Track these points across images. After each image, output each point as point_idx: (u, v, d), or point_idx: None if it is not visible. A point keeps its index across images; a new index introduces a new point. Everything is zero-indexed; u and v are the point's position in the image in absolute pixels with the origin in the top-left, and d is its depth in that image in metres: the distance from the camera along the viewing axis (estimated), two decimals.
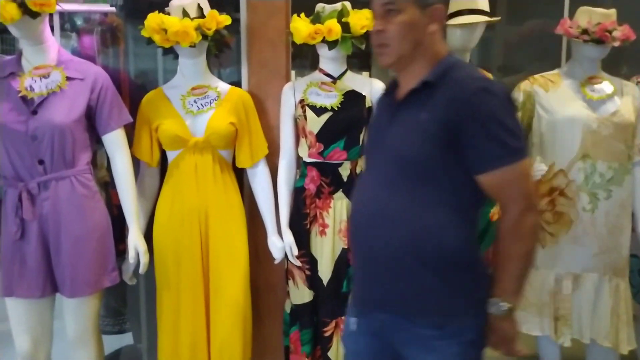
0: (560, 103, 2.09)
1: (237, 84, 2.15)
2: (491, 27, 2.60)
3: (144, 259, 1.88)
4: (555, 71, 2.19)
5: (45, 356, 1.86)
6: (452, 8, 1.97)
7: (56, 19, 2.00)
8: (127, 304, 2.55)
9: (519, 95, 2.17)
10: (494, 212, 2.06)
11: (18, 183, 1.72)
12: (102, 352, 1.99)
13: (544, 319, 2.14)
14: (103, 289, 1.87)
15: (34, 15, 1.61)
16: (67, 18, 2.16)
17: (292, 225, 2.01)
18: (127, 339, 2.73)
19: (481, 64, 2.17)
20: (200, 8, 1.86)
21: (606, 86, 2.10)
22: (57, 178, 1.74)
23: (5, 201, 1.75)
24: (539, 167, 2.13)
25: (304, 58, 2.06)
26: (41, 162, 1.72)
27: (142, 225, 1.97)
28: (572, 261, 2.10)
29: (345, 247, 1.97)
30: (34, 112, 1.70)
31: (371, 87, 1.99)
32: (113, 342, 2.75)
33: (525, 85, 2.18)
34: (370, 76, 4.20)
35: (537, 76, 2.18)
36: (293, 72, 2.33)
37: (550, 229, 2.12)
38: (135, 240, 1.87)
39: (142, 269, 1.89)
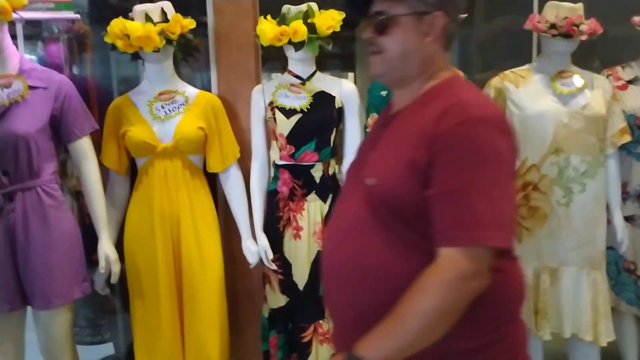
0: (531, 98, 2.09)
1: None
2: (468, 25, 2.61)
3: (115, 269, 1.85)
4: (526, 66, 2.19)
5: None
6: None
7: (19, 27, 1.97)
8: (105, 314, 2.52)
9: (489, 91, 2.17)
10: None
11: None
12: None
13: (523, 313, 2.13)
14: (75, 300, 1.84)
15: None
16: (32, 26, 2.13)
17: (266, 229, 1.99)
18: (108, 349, 2.70)
19: (459, 64, 2.16)
20: (164, 12, 1.84)
21: (576, 80, 2.10)
22: (22, 189, 1.71)
23: None
24: None
25: (275, 60, 2.04)
26: (5, 173, 1.69)
27: (113, 234, 1.95)
28: (550, 255, 2.10)
29: (321, 249, 1.96)
30: None
31: (341, 88, 1.98)
32: (94, 353, 2.72)
33: (495, 81, 2.17)
34: (355, 77, 4.24)
35: (507, 72, 2.18)
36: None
37: (525, 224, 2.12)
38: (105, 249, 1.84)
39: (113, 279, 1.87)
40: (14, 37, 1.90)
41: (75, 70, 2.26)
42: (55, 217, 1.76)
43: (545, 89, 2.09)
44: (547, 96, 2.08)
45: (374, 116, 2.03)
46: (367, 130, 2.05)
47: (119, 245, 1.94)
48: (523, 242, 2.13)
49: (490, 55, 2.89)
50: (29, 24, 2.06)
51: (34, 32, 2.15)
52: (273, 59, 2.11)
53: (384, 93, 2.00)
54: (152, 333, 1.90)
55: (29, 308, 1.80)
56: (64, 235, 1.78)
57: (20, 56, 1.78)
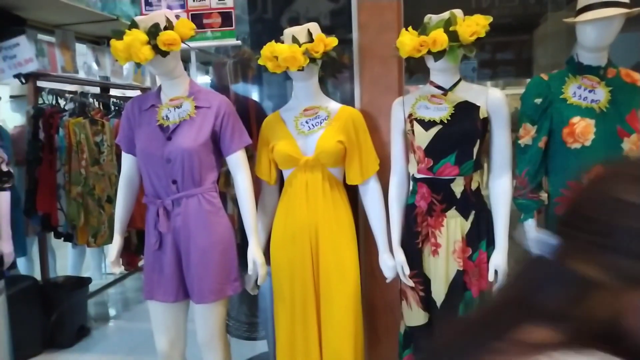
0: None
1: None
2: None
3: (262, 272, 1.99)
4: None
5: (180, 355, 2.08)
6: (582, 2, 1.75)
7: (192, 55, 2.26)
8: (260, 312, 2.72)
9: None
10: None
11: (157, 200, 1.97)
12: (229, 355, 2.15)
13: None
14: (227, 296, 2.03)
15: (164, 54, 1.85)
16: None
17: (404, 244, 1.96)
18: (263, 345, 2.92)
19: (626, 64, 1.86)
20: (309, 33, 1.94)
21: None
22: (187, 196, 1.95)
23: (147, 217, 2.02)
24: None
25: (425, 73, 2.00)
26: (174, 181, 1.95)
27: (263, 239, 2.11)
28: None
29: (461, 269, 1.85)
30: (169, 138, 1.94)
31: (487, 97, 1.85)
32: (251, 348, 2.96)
33: None
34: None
35: None
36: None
37: None
38: (253, 253, 1.99)
39: (260, 281, 2.01)
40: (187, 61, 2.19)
41: (240, 91, 2.52)
42: (213, 222, 1.97)
43: None
44: None
45: (527, 126, 1.86)
46: (520, 142, 1.88)
47: (269, 249, 2.09)
48: None
49: None
50: (202, 50, 2.36)
51: (206, 57, 2.45)
52: (422, 71, 2.07)
53: (538, 101, 1.83)
54: (292, 336, 2.00)
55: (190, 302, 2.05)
56: (220, 238, 1.98)
57: (190, 80, 2.05)
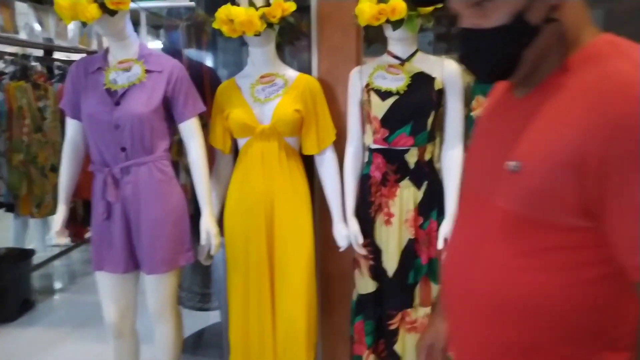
0: None
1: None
2: None
3: (215, 242, 1.97)
4: None
5: (130, 327, 2.04)
6: None
7: (142, 16, 2.16)
8: (213, 283, 2.70)
9: None
10: None
11: (104, 168, 1.89)
12: (181, 326, 2.13)
13: None
14: (179, 267, 1.99)
15: (112, 13, 1.75)
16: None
17: (358, 214, 1.97)
18: (216, 316, 2.91)
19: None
20: None
21: None
22: (137, 164, 1.88)
23: (94, 186, 1.94)
24: None
25: (380, 42, 1.99)
26: (123, 149, 1.87)
27: (217, 209, 2.07)
28: None
29: (412, 237, 1.89)
30: (117, 103, 1.86)
31: (443, 68, 1.87)
32: (203, 319, 2.94)
33: None
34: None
35: None
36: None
37: None
38: (206, 223, 1.96)
39: (213, 251, 1.98)
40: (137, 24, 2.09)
41: (193, 57, 2.43)
42: (164, 191, 1.91)
43: None
44: None
45: (480, 99, 1.89)
46: (472, 114, 1.91)
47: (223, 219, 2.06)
48: None
49: (625, 32, 2.50)
50: (153, 12, 2.25)
51: (157, 20, 2.34)
52: (380, 41, 2.05)
53: None
54: (245, 305, 2.00)
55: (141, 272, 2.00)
56: (172, 208, 1.93)
57: (140, 42, 1.95)
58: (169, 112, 1.96)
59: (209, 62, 2.45)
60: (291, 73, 2.01)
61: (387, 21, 1.77)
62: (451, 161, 1.90)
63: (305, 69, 2.16)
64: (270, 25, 1.86)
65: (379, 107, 1.84)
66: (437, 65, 1.87)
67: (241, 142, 2.01)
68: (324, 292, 2.26)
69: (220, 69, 2.45)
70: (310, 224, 2.00)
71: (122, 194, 1.89)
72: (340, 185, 2.01)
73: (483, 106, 1.85)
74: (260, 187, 1.94)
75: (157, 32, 2.41)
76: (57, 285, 4.08)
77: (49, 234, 4.33)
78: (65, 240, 2.05)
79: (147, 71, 1.89)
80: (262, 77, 1.98)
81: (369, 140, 1.93)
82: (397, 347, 1.94)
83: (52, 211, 3.42)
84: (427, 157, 1.89)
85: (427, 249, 1.90)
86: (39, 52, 3.99)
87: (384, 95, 1.85)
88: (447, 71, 1.86)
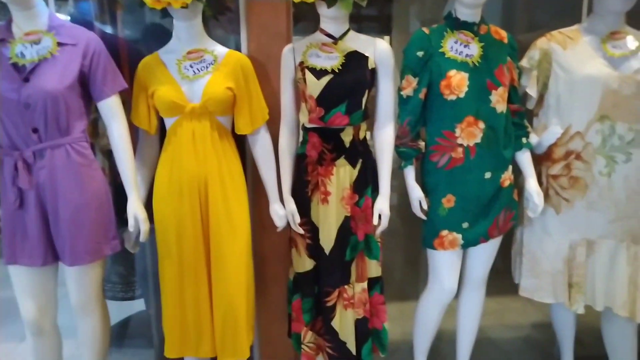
0: (579, 61, 1.96)
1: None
2: None
3: (144, 227, 1.86)
4: (575, 27, 2.05)
5: (51, 323, 1.89)
6: None
7: None
8: (137, 271, 2.57)
9: (535, 53, 2.04)
10: (505, 178, 1.97)
11: (14, 152, 1.71)
12: (107, 319, 2.01)
13: (557, 287, 2.08)
14: (105, 256, 1.87)
15: None
16: None
17: (294, 193, 1.97)
18: (140, 305, 2.78)
19: (500, 22, 2.02)
20: None
21: (630, 42, 1.95)
22: (52, 146, 1.72)
23: (2, 170, 1.74)
24: (554, 130, 2.02)
25: (310, 21, 1.96)
26: (35, 130, 1.70)
27: (143, 194, 1.95)
28: (588, 227, 2.02)
29: (348, 214, 1.92)
30: (26, 80, 1.67)
31: (375, 48, 1.89)
32: (127, 309, 2.80)
33: (541, 42, 2.04)
34: (390, 41, 4.10)
35: (554, 32, 2.05)
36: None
37: (565, 195, 2.03)
38: (134, 208, 1.85)
39: (142, 237, 1.88)
40: None
41: (106, 29, 2.24)
42: (85, 176, 1.77)
43: (595, 51, 1.96)
44: (597, 59, 1.94)
45: (409, 78, 1.94)
46: (402, 93, 1.96)
47: (150, 204, 1.95)
48: (561, 213, 2.04)
49: (536, 14, 2.71)
50: None
51: None
52: (307, 19, 2.02)
53: (420, 54, 1.91)
54: (180, 292, 1.92)
55: (60, 264, 1.84)
56: (94, 193, 1.79)
57: (49, 12, 1.76)
58: (85, 89, 1.80)
59: (124, 35, 2.27)
60: (220, 49, 1.92)
61: None
62: (384, 139, 1.95)
63: (236, 46, 2.08)
64: None
65: (315, 86, 1.83)
66: (369, 44, 1.89)
67: (169, 122, 1.90)
68: (258, 274, 2.24)
69: (142, 42, 2.28)
70: (246, 205, 1.95)
71: (36, 180, 1.72)
72: (275, 164, 1.99)
73: (411, 86, 1.91)
74: (193, 168, 1.85)
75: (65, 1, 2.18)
76: None
77: None
78: None
79: (60, 44, 1.72)
80: (189, 52, 1.88)
81: (304, 119, 1.92)
82: (335, 323, 1.97)
83: None
84: (361, 135, 1.92)
85: (363, 226, 1.94)
86: None
87: (319, 74, 1.84)
88: (379, 50, 1.89)
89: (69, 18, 2.19)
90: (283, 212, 1.97)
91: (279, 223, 1.99)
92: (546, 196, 2.05)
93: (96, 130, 2.17)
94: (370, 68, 1.87)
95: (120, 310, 2.76)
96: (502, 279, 2.35)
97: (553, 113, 2.04)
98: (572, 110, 1.98)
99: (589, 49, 1.97)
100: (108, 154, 2.17)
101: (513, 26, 2.77)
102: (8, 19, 1.73)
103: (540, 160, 2.10)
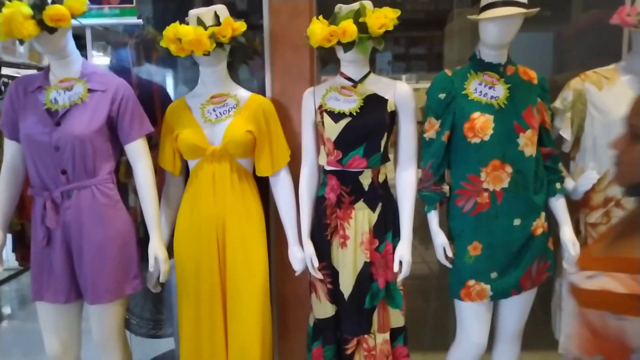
0: (616, 102, 1.84)
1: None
2: (541, 21, 2.36)
3: (164, 267, 1.88)
4: (611, 66, 1.93)
5: (74, 358, 1.92)
6: (485, 0, 1.80)
7: (88, 33, 2.08)
8: (166, 309, 2.60)
9: (568, 94, 1.94)
10: (537, 225, 1.85)
11: (44, 192, 1.79)
12: (129, 356, 2.02)
13: None
14: (125, 295, 1.90)
15: (51, 30, 1.67)
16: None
17: (313, 236, 1.94)
18: (170, 343, 2.79)
19: (529, 63, 1.95)
20: (216, 16, 1.84)
21: None
22: (79, 187, 1.79)
23: (33, 211, 1.83)
24: (590, 175, 1.88)
25: (335, 63, 1.97)
26: (64, 172, 1.78)
27: (167, 233, 1.99)
28: None
29: (368, 260, 1.86)
30: (57, 124, 1.77)
31: (395, 90, 1.86)
32: (156, 346, 2.82)
33: (575, 82, 1.94)
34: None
35: (589, 72, 1.94)
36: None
37: None
38: (155, 248, 1.88)
39: (162, 278, 1.90)
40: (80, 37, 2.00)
41: (143, 75, 2.35)
42: (109, 216, 1.83)
43: (634, 91, 1.83)
44: None
45: (432, 120, 1.89)
46: (425, 135, 1.91)
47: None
48: None
49: (573, 54, 2.60)
50: (105, 28, 2.17)
51: (104, 36, 2.26)
52: (335, 62, 2.04)
53: (442, 96, 1.86)
54: (197, 333, 1.92)
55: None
56: (117, 233, 1.84)
57: (82, 60, 1.87)
58: (113, 133, 1.88)
59: (159, 80, 2.38)
60: (243, 93, 1.97)
61: (339, 43, 1.75)
62: (405, 182, 1.89)
63: (261, 88, 2.12)
64: (220, 44, 1.82)
65: (332, 129, 1.82)
66: (389, 87, 1.87)
67: (192, 164, 1.95)
68: (280, 317, 2.21)
69: (175, 87, 2.38)
70: (264, 247, 1.94)
71: (63, 220, 1.79)
72: (295, 207, 1.97)
73: (434, 128, 1.86)
74: (211, 209, 1.87)
75: (106, 48, 2.32)
76: (6, 311, 3.86)
77: None
78: (1, 268, 1.92)
79: (90, 90, 1.82)
80: (212, 97, 1.93)
81: (323, 162, 1.90)
82: None
83: None
84: (381, 178, 1.88)
85: (383, 272, 1.87)
86: None
87: (336, 117, 1.83)
88: (399, 93, 1.86)
89: (108, 63, 2.32)
90: (301, 255, 1.94)
91: (297, 267, 1.96)
92: (584, 245, 1.90)
93: (129, 170, 2.25)
94: (389, 111, 1.84)
95: (151, 348, 2.78)
96: (543, 333, 2.18)
97: (590, 157, 1.91)
98: (611, 154, 1.84)
99: (626, 89, 1.84)
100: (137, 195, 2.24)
101: (550, 66, 2.66)
102: (47, 68, 1.86)
103: (578, 207, 1.96)
